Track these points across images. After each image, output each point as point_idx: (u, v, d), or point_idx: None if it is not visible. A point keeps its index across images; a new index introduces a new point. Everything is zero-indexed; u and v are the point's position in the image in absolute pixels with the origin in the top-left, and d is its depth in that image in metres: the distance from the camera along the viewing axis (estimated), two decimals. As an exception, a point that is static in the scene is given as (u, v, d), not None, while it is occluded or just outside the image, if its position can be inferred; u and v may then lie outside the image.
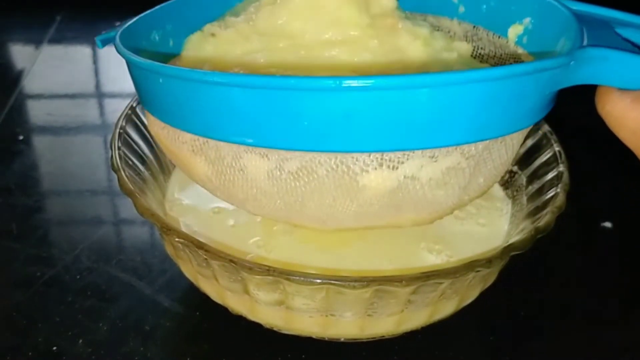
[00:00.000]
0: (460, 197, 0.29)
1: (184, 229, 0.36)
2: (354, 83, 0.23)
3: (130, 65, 0.29)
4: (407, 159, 0.26)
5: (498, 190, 0.40)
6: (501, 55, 0.34)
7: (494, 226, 0.38)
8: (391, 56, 0.31)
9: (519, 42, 0.33)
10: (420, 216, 0.30)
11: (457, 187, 0.28)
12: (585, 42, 0.25)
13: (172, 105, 0.27)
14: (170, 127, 0.28)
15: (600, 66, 0.25)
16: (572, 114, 0.54)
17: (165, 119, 0.28)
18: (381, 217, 0.29)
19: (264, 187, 0.28)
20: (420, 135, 0.24)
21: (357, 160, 0.26)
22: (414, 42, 0.31)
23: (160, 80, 0.26)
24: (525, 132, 0.30)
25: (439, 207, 0.29)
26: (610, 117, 0.26)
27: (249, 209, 0.31)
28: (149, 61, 0.27)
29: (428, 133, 0.24)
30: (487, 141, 0.27)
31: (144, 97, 0.29)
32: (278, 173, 0.27)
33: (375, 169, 0.26)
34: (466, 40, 0.36)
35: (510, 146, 0.29)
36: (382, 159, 0.26)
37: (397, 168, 0.26)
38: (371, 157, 0.26)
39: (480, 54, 0.35)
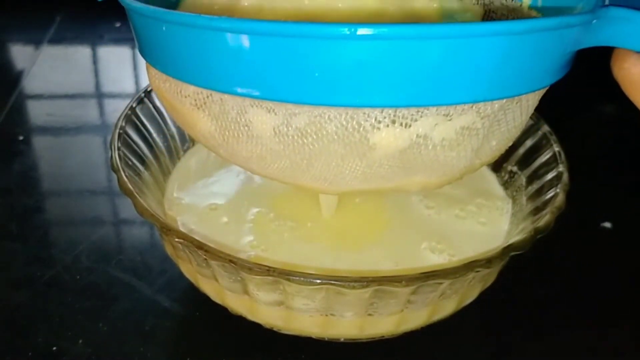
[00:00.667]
0: (472, 161, 0.28)
1: (181, 227, 0.36)
2: (370, 31, 0.21)
3: (132, 13, 0.27)
4: (421, 117, 0.25)
5: (498, 189, 0.40)
6: (514, 19, 0.33)
7: (494, 225, 0.38)
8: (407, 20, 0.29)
9: (533, 5, 0.32)
10: (430, 179, 0.29)
11: (469, 149, 0.27)
12: (607, 2, 0.25)
13: (175, 55, 0.25)
14: (172, 80, 0.27)
15: (621, 28, 0.24)
16: (572, 114, 0.54)
17: (167, 71, 0.27)
18: (389, 180, 0.28)
19: (269, 144, 0.27)
20: (437, 91, 0.23)
21: (368, 116, 0.25)
22: (429, 4, 0.30)
23: (164, 28, 0.25)
24: (540, 93, 0.29)
25: (449, 171, 0.28)
26: (626, 80, 0.25)
27: (253, 168, 0.30)
28: (151, 7, 0.25)
29: (444, 89, 0.23)
30: (504, 101, 0.26)
31: (145, 48, 0.28)
32: (285, 129, 0.26)
33: (387, 126, 0.25)
34: (477, 4, 0.34)
35: (525, 108, 0.28)
36: (394, 115, 0.25)
37: (410, 126, 0.25)
38: (384, 113, 0.25)
39: (492, 17, 0.34)
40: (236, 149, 0.28)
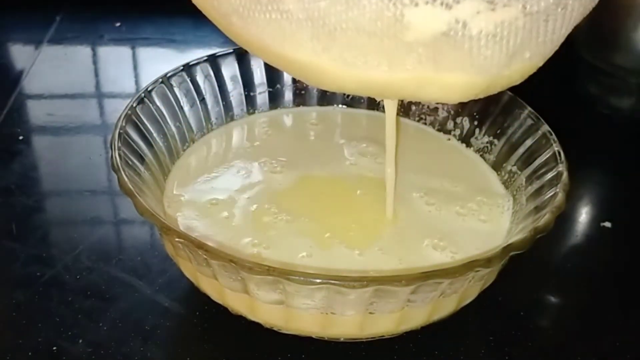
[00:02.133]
0: (500, 71, 0.27)
1: (181, 223, 0.36)
2: None
3: None
4: None
5: (499, 187, 0.40)
6: None
7: (495, 223, 0.38)
8: None
9: None
10: (455, 82, 0.27)
11: (504, 52, 0.26)
12: None
13: None
14: None
15: None
16: (572, 114, 0.54)
17: None
18: (414, 74, 0.27)
19: (290, 9, 0.25)
20: None
21: None
22: None
23: None
24: (580, 16, 0.27)
25: (477, 74, 0.27)
26: None
27: (266, 42, 0.27)
28: None
29: None
30: (550, 1, 0.25)
31: None
32: None
33: (427, 3, 0.24)
34: None
35: (568, 19, 0.27)
36: None
37: (451, 7, 0.24)
38: None
39: None
40: (245, 9, 0.26)
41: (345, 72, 0.27)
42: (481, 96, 0.29)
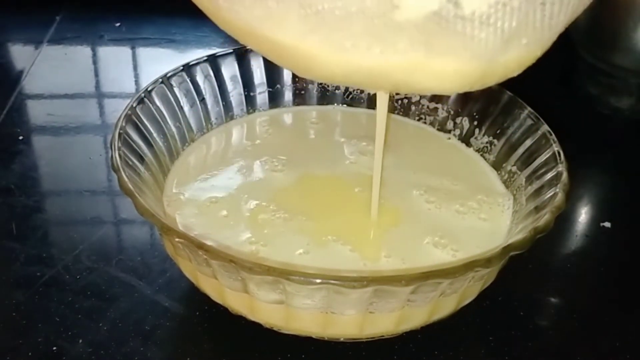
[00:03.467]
0: (496, 57, 0.26)
1: (180, 222, 0.36)
2: None
3: None
4: None
5: (500, 186, 0.40)
6: None
7: (496, 221, 0.38)
8: None
9: None
10: (446, 69, 0.26)
11: (499, 35, 0.25)
12: None
13: None
14: None
15: None
16: (572, 114, 0.54)
17: None
18: (403, 58, 0.25)
19: None
20: None
21: None
22: None
23: None
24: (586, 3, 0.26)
25: (471, 59, 0.26)
26: None
27: (250, 21, 0.26)
28: None
29: None
30: None
31: None
32: None
33: None
34: None
35: (567, 4, 0.25)
36: None
37: None
38: None
39: None
40: None
41: (333, 56, 0.26)
42: (477, 87, 0.28)
